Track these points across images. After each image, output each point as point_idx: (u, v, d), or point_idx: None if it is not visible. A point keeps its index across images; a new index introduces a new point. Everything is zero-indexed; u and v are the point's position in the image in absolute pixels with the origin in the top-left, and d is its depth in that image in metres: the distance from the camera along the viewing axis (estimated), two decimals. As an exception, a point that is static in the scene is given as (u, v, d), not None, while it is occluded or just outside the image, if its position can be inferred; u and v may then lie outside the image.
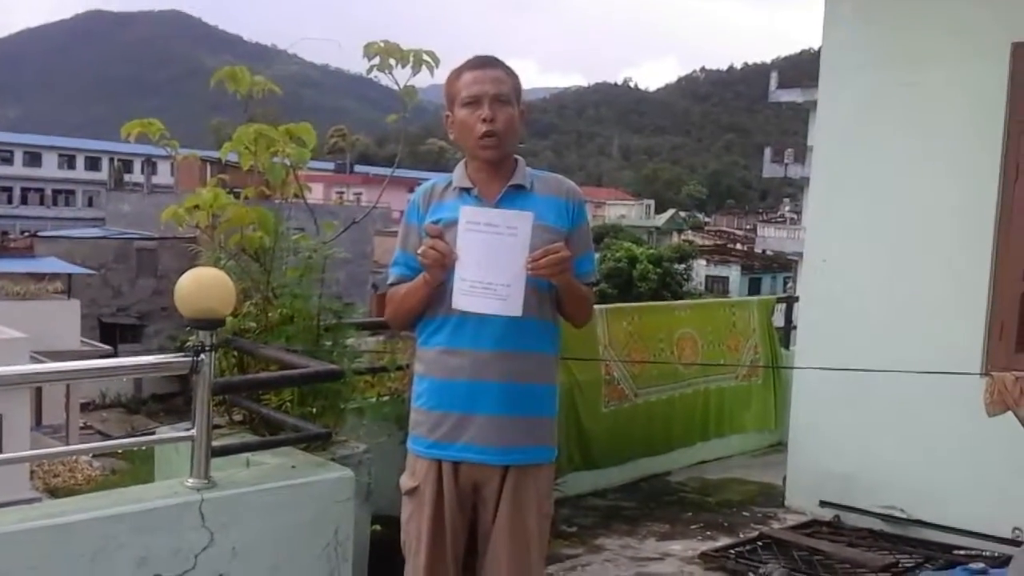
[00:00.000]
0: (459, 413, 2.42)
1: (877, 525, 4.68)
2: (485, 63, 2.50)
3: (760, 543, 4.48)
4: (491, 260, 2.31)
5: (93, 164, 65.12)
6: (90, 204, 60.95)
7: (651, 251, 39.13)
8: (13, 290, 27.03)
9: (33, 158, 64.61)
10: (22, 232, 47.52)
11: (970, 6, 4.51)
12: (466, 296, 2.33)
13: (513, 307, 2.32)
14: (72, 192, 64.70)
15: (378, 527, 3.35)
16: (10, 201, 62.07)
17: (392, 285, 2.56)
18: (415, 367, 2.57)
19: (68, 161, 65.78)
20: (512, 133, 2.46)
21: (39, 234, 38.80)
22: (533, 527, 2.48)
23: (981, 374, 4.24)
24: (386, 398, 4.09)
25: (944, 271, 4.54)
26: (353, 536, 2.90)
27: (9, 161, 63.71)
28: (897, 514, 4.65)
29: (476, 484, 2.45)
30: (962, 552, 4.28)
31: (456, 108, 2.47)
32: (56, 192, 64.09)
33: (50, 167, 64.59)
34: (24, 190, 63.08)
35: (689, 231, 63.81)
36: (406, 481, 2.52)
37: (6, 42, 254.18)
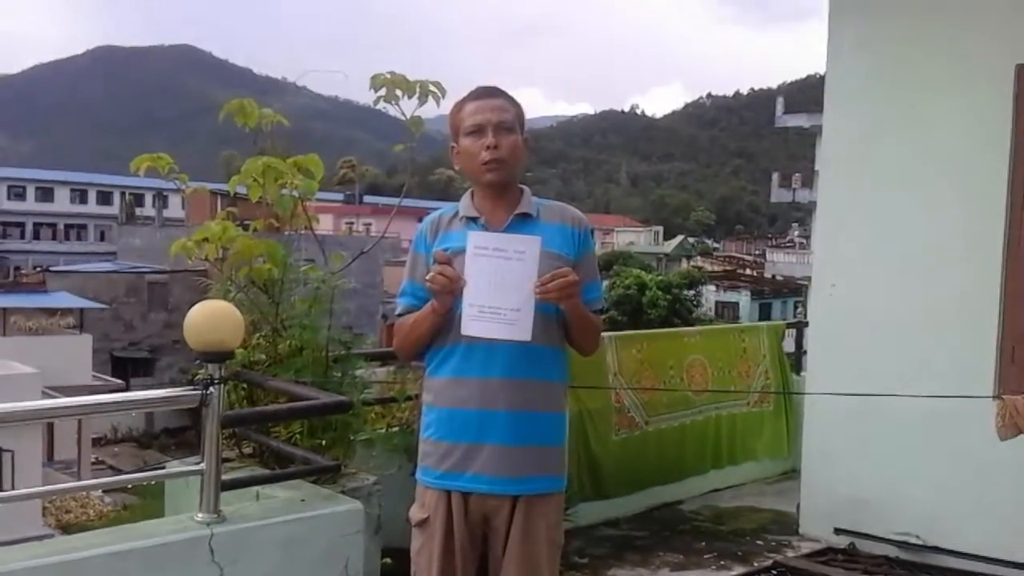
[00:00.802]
0: (468, 443, 2.41)
1: (893, 552, 4.63)
2: (487, 93, 2.52)
3: (775, 572, 4.43)
4: (499, 285, 2.31)
5: (105, 198, 65.61)
6: (102, 238, 61.35)
7: (660, 278, 39.06)
8: (25, 325, 27.16)
9: (45, 193, 65.19)
10: (34, 267, 47.79)
11: (972, 29, 4.53)
12: (475, 321, 2.33)
13: (522, 332, 2.32)
14: (84, 226, 65.18)
15: (388, 560, 3.34)
16: (22, 236, 62.56)
17: (400, 315, 2.56)
18: (424, 397, 2.57)
19: (80, 196, 66.33)
20: (516, 159, 2.48)
21: (51, 269, 39.03)
22: (544, 557, 2.46)
23: (993, 397, 4.21)
24: (395, 429, 4.08)
25: (953, 294, 4.52)
26: (363, 569, 2.89)
27: (22, 196, 64.31)
28: (913, 541, 4.59)
29: (486, 515, 2.44)
30: (980, 579, 4.22)
31: (460, 138, 2.49)
32: (68, 227, 64.58)
33: (62, 202, 65.13)
34: (36, 225, 63.60)
35: (698, 257, 63.71)
36: (416, 512, 2.50)
37: (19, 77, 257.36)
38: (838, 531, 4.86)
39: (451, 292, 2.34)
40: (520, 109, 2.53)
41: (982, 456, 4.33)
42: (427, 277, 2.37)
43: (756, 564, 4.66)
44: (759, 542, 5.10)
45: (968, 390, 4.20)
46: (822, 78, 5.14)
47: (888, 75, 4.79)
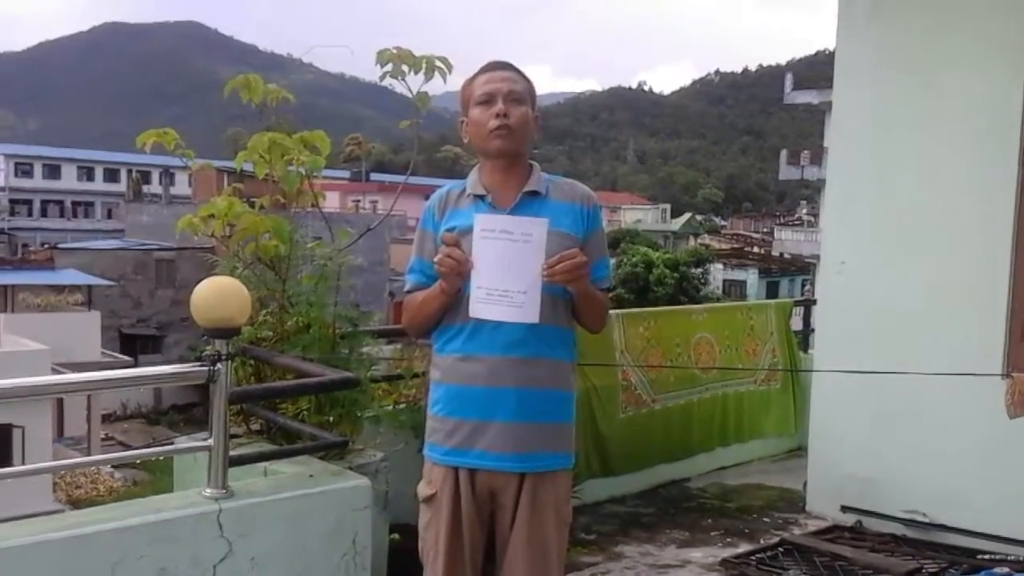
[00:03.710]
0: (475, 420, 2.41)
1: (900, 530, 4.64)
2: (499, 66, 2.51)
3: (781, 549, 4.44)
4: (507, 267, 2.30)
5: (112, 176, 65.68)
6: (109, 216, 61.44)
7: (667, 255, 38.95)
8: (34, 302, 27.30)
9: (52, 170, 65.23)
10: (42, 244, 47.90)
11: (987, 3, 4.47)
12: (483, 304, 2.33)
13: (530, 314, 2.31)
14: (91, 204, 65.27)
15: (396, 535, 3.35)
16: (30, 213, 62.68)
17: (409, 292, 2.56)
18: (431, 374, 2.57)
19: (87, 173, 66.40)
20: (525, 130, 2.46)
21: (59, 246, 39.11)
22: (551, 534, 2.46)
23: (1002, 375, 4.21)
24: (403, 406, 4.09)
25: (963, 272, 4.50)
26: (371, 545, 2.90)
27: (29, 174, 64.36)
28: (920, 518, 4.60)
29: (493, 491, 2.44)
30: (986, 557, 4.22)
31: (471, 109, 2.48)
32: (75, 204, 64.69)
33: (69, 179, 65.20)
34: (44, 202, 63.69)
35: (705, 235, 63.53)
36: (423, 489, 2.51)
37: (25, 54, 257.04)
38: (845, 509, 4.87)
39: (459, 274, 2.33)
40: (531, 85, 2.52)
41: (990, 434, 4.33)
42: (435, 260, 2.36)
43: (763, 541, 4.67)
44: (766, 519, 5.12)
45: (977, 368, 4.19)
46: (832, 54, 5.09)
47: (900, 49, 4.74)
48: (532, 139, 2.51)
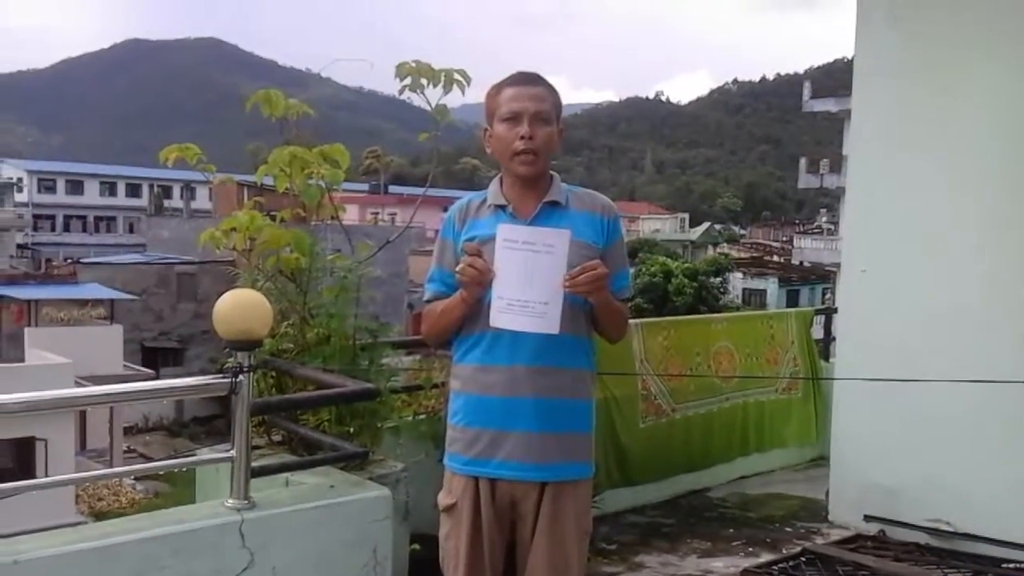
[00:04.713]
0: (495, 430, 2.42)
1: (923, 539, 4.59)
2: (527, 80, 2.50)
3: (804, 559, 4.40)
4: (528, 278, 2.31)
5: (133, 191, 66.35)
6: (131, 230, 62.01)
7: (686, 265, 38.86)
8: (57, 316, 27.54)
9: (75, 186, 65.99)
10: (65, 259, 48.34)
11: (1004, 11, 4.45)
12: (504, 314, 2.33)
13: (551, 324, 2.32)
14: (113, 218, 65.95)
15: (417, 546, 3.35)
16: (53, 228, 63.37)
17: (428, 302, 2.57)
18: (451, 384, 2.58)
19: (109, 188, 67.11)
20: (549, 151, 2.46)
21: (81, 260, 39.46)
22: (572, 544, 2.46)
23: (1027, 383, 4.16)
24: (422, 416, 4.10)
25: (984, 278, 4.46)
26: (392, 555, 2.90)
27: (52, 189, 65.15)
28: (944, 527, 4.55)
29: (513, 501, 2.44)
30: (1011, 566, 4.18)
31: (495, 123, 2.47)
32: (98, 219, 65.39)
33: (92, 194, 65.93)
34: (67, 217, 64.43)
35: (724, 244, 63.36)
36: (443, 498, 2.51)
37: (49, 72, 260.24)
38: (868, 518, 4.83)
39: (480, 284, 2.34)
40: (558, 98, 2.51)
41: (1016, 442, 4.29)
42: (457, 269, 2.37)
43: (785, 551, 4.64)
44: (788, 529, 5.08)
45: (999, 374, 4.15)
46: (850, 62, 5.07)
47: (919, 55, 4.71)
48: (555, 154, 2.52)
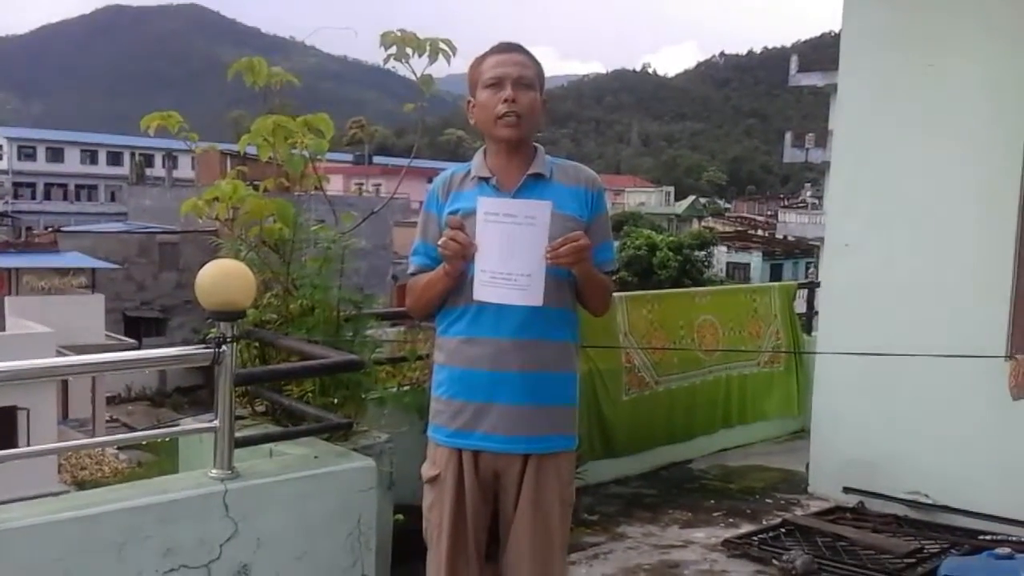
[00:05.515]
0: (479, 402, 2.42)
1: (902, 511, 4.66)
2: (509, 48, 2.49)
3: (783, 530, 4.46)
4: (511, 250, 2.30)
5: (115, 159, 65.65)
6: (112, 199, 61.47)
7: (671, 238, 38.87)
8: (38, 285, 27.36)
9: (55, 154, 65.24)
10: (46, 227, 47.92)
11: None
12: (487, 287, 2.32)
13: (534, 297, 2.31)
14: (94, 187, 65.31)
15: (400, 516, 3.37)
16: (34, 196, 62.73)
17: (412, 274, 2.56)
18: (435, 356, 2.57)
19: (90, 156, 66.39)
20: (533, 117, 2.45)
21: (62, 229, 39.14)
22: (555, 515, 2.48)
23: (1006, 357, 4.21)
24: (407, 388, 4.11)
25: (967, 254, 4.49)
26: (376, 525, 2.92)
27: (32, 157, 64.39)
28: (922, 500, 4.62)
29: (497, 472, 2.45)
30: (988, 537, 4.25)
31: (478, 91, 2.47)
32: (79, 187, 64.74)
33: (72, 162, 65.21)
34: (47, 185, 63.77)
35: (709, 218, 63.39)
36: (427, 470, 2.52)
37: (27, 38, 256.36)
38: (847, 490, 4.89)
39: (463, 257, 2.33)
40: (541, 68, 2.51)
41: (993, 416, 4.34)
42: (439, 243, 2.36)
43: (765, 522, 4.69)
44: (768, 500, 5.14)
45: (980, 350, 4.20)
46: (837, 36, 5.06)
47: (905, 31, 4.71)
48: (539, 123, 2.50)
